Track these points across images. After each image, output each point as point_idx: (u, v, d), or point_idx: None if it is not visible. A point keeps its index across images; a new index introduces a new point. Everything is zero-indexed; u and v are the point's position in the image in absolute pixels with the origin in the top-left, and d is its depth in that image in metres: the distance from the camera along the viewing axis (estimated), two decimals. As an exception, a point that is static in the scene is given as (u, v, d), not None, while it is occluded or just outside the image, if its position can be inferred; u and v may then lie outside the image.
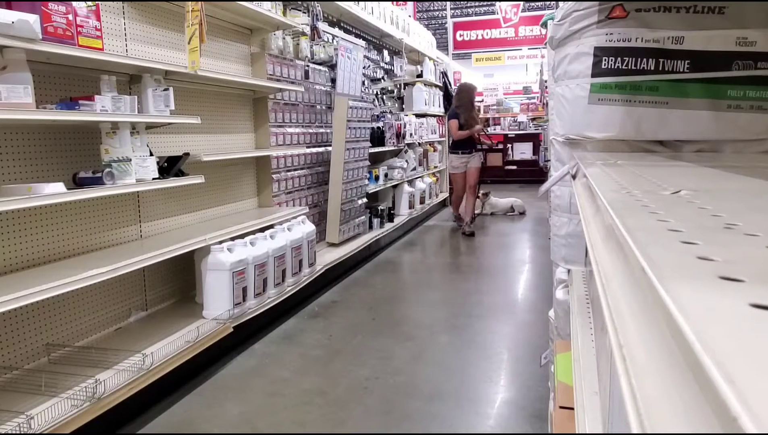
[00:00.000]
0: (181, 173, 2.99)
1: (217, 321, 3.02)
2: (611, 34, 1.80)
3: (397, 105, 7.72)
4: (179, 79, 3.16)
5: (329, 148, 5.08)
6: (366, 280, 4.81)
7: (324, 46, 5.07)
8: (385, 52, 7.12)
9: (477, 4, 15.89)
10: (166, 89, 2.83)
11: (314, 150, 4.98)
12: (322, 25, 5.09)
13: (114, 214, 2.97)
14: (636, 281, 0.40)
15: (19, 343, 2.48)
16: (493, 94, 14.76)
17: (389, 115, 6.82)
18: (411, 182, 7.29)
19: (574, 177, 1.45)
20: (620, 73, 1.81)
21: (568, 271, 2.07)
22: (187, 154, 3.02)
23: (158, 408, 2.52)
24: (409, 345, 3.28)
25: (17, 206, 2.10)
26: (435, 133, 8.57)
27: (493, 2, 13.20)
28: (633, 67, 1.79)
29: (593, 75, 1.85)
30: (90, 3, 2.43)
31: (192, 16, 2.94)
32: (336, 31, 5.50)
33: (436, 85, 8.73)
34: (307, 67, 4.85)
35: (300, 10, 4.71)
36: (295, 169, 4.78)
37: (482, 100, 14.34)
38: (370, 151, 5.59)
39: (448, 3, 14.84)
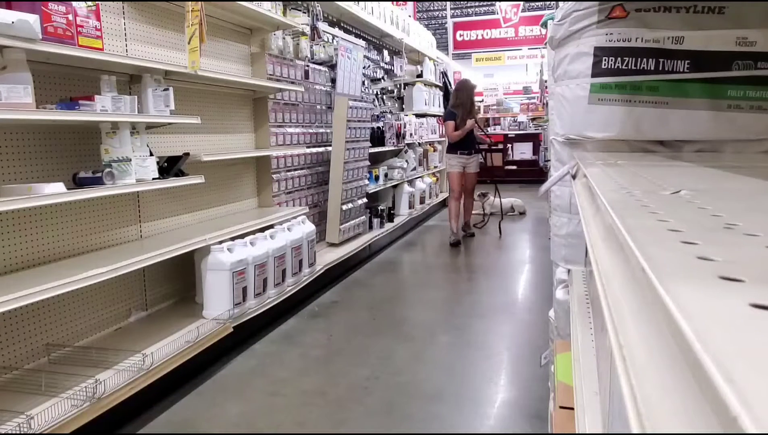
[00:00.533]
0: (181, 173, 2.99)
1: (217, 321, 3.02)
2: (611, 34, 1.80)
3: (397, 105, 7.72)
4: (179, 79, 3.16)
5: (329, 148, 5.08)
6: (366, 280, 4.81)
7: (324, 46, 5.07)
8: (385, 52, 7.12)
9: (477, 4, 15.90)
10: (166, 89, 2.83)
11: (314, 150, 4.98)
12: (322, 25, 5.09)
13: (114, 214, 2.97)
14: (636, 281, 0.40)
15: (19, 343, 2.48)
16: (493, 94, 14.76)
17: (389, 115, 6.82)
18: (411, 182, 7.29)
19: (574, 177, 1.45)
20: (620, 73, 1.81)
21: (568, 271, 2.07)
22: (187, 154, 3.02)
23: (158, 408, 2.52)
24: (409, 345, 3.28)
25: (17, 206, 2.10)
26: (435, 133, 8.57)
27: (493, 2, 13.20)
28: (633, 67, 1.79)
29: (593, 75, 1.85)
30: (90, 3, 2.43)
31: (192, 16, 2.94)
32: (336, 31, 5.50)
33: (436, 85, 8.73)
34: (307, 67, 4.85)
35: (300, 10, 4.71)
36: (295, 169, 4.78)
37: (482, 100, 14.35)
38: (370, 151, 5.59)
39: (448, 3, 14.84)
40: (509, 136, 12.53)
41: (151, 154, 2.77)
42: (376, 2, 6.47)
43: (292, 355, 3.16)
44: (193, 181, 3.04)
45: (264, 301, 3.44)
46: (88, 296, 2.82)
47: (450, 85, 9.08)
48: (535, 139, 12.16)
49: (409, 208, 7.07)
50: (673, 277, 0.33)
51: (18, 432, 1.91)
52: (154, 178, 2.75)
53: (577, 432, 1.09)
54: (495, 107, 13.92)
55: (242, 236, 3.33)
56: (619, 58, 1.80)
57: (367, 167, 5.58)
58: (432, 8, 16.49)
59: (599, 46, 1.83)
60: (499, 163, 12.28)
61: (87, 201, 2.79)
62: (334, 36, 5.38)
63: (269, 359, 3.11)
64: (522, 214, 7.87)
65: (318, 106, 5.16)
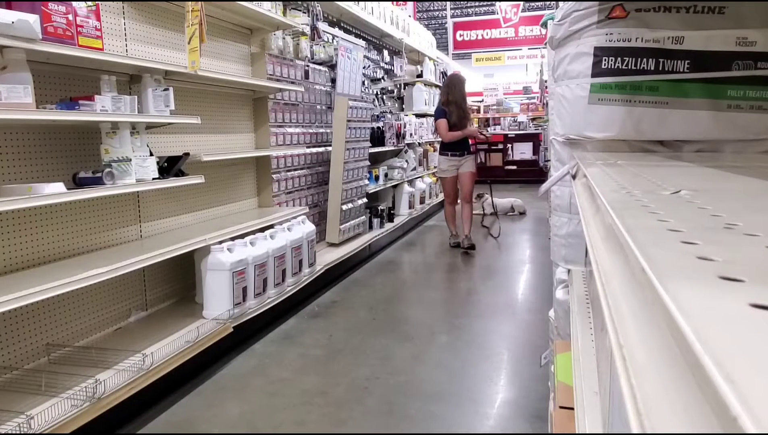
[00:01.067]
0: (181, 173, 2.99)
1: (217, 321, 3.02)
2: (611, 34, 1.80)
3: (397, 105, 7.72)
4: (179, 79, 3.16)
5: (329, 148, 5.08)
6: (366, 280, 4.81)
7: (324, 46, 5.07)
8: (385, 52, 7.12)
9: (477, 4, 15.90)
10: (166, 89, 2.83)
11: (314, 150, 4.98)
12: (322, 25, 5.10)
13: (114, 214, 2.97)
14: (636, 281, 0.40)
15: (19, 343, 2.48)
16: (493, 94, 14.75)
17: (389, 115, 6.82)
18: (411, 182, 7.29)
19: (574, 177, 1.45)
20: (620, 73, 1.81)
21: (568, 271, 2.07)
22: (187, 154, 3.02)
23: (158, 408, 2.52)
24: (409, 345, 3.28)
25: (17, 206, 2.10)
26: (435, 133, 8.57)
27: (493, 2, 13.21)
28: (633, 67, 1.79)
29: (593, 75, 1.85)
30: (90, 3, 2.43)
31: (192, 16, 2.94)
32: (336, 31, 5.50)
33: (436, 85, 8.73)
34: (307, 67, 4.85)
35: (300, 10, 4.71)
36: (295, 169, 4.78)
37: (482, 100, 14.35)
38: (370, 151, 5.59)
39: (448, 3, 14.84)
40: (509, 136, 12.53)
41: (151, 154, 2.77)
42: (376, 2, 6.47)
43: (292, 355, 3.16)
44: (193, 181, 3.04)
45: (264, 301, 3.44)
46: (88, 296, 2.82)
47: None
48: (535, 139, 12.16)
49: (409, 208, 7.07)
50: (673, 277, 0.33)
51: (18, 432, 1.91)
52: (154, 178, 2.75)
53: (577, 432, 1.09)
54: (495, 107, 13.92)
55: (242, 236, 3.33)
56: (619, 58, 1.80)
57: (367, 167, 5.57)
58: (432, 8, 16.50)
59: (599, 46, 1.83)
60: (498, 163, 12.31)
61: (87, 201, 2.79)
62: (334, 36, 5.38)
63: (269, 359, 3.11)
64: (522, 214, 7.87)
65: (318, 106, 5.16)
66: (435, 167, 8.66)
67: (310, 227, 4.07)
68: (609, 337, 0.37)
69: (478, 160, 11.33)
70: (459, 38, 12.49)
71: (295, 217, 4.04)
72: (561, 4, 2.09)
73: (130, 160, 2.61)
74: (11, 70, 2.11)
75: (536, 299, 4.11)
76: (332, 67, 5.23)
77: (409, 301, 4.28)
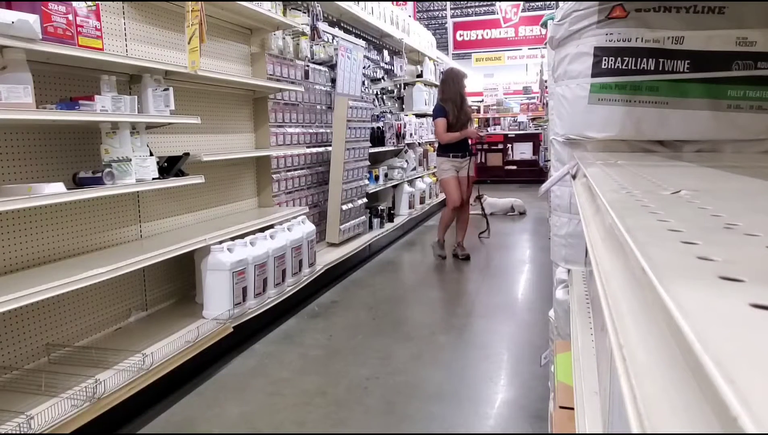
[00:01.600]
0: (181, 173, 2.99)
1: (217, 321, 3.02)
2: (611, 34, 1.80)
3: (397, 105, 7.72)
4: (179, 79, 3.16)
5: (329, 148, 5.08)
6: (366, 280, 4.81)
7: (324, 46, 5.07)
8: (385, 52, 7.12)
9: (477, 4, 15.90)
10: (166, 89, 2.83)
11: (314, 150, 4.98)
12: (322, 25, 5.09)
13: (114, 214, 2.97)
14: (636, 281, 0.40)
15: (19, 343, 2.48)
16: (493, 94, 14.76)
17: (389, 115, 6.82)
18: (411, 182, 7.29)
19: (574, 177, 1.45)
20: (620, 73, 1.81)
21: (568, 271, 2.07)
22: (187, 154, 3.02)
23: (158, 408, 2.52)
24: (409, 345, 3.28)
25: (17, 206, 2.10)
26: (434, 133, 8.57)
27: (493, 2, 13.21)
28: (633, 67, 1.79)
29: (593, 75, 1.85)
30: (90, 3, 2.43)
31: (192, 16, 2.94)
32: (336, 31, 5.50)
33: (436, 85, 8.72)
34: (307, 67, 4.85)
35: (300, 10, 4.71)
36: (295, 169, 4.78)
37: (482, 100, 14.35)
38: (370, 151, 5.59)
39: (448, 3, 14.84)
40: (509, 136, 12.53)
41: (151, 154, 2.77)
42: (376, 2, 6.47)
43: (292, 355, 3.16)
44: (193, 181, 3.04)
45: (264, 301, 3.44)
46: (88, 296, 2.82)
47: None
48: (535, 139, 12.17)
49: (409, 208, 7.07)
50: (673, 277, 0.33)
51: (18, 432, 1.91)
52: (154, 178, 2.75)
53: (577, 432, 1.09)
54: (495, 107, 13.92)
55: (242, 236, 3.33)
56: (619, 58, 1.80)
57: (367, 167, 5.57)
58: (432, 8, 16.49)
59: (599, 46, 1.83)
60: (498, 163, 12.31)
61: (87, 201, 2.79)
62: (334, 36, 5.38)
63: (269, 359, 3.11)
64: (522, 214, 7.87)
65: (318, 106, 5.16)
66: (435, 167, 8.66)
67: (310, 227, 4.07)
68: (609, 337, 0.37)
69: (478, 160, 11.32)
70: (459, 38, 12.49)
71: (295, 217, 4.04)
72: (561, 4, 2.09)
73: (130, 160, 2.61)
74: (11, 70, 2.11)
75: (536, 299, 4.11)
76: (332, 67, 5.23)
77: (409, 301, 4.28)
